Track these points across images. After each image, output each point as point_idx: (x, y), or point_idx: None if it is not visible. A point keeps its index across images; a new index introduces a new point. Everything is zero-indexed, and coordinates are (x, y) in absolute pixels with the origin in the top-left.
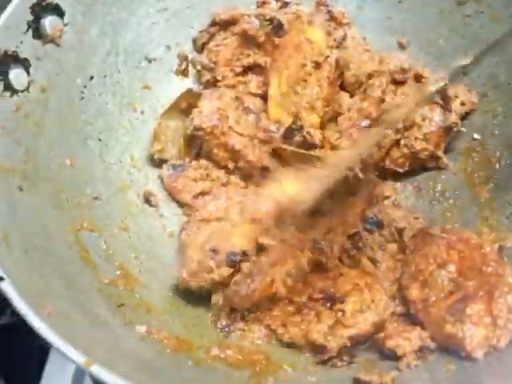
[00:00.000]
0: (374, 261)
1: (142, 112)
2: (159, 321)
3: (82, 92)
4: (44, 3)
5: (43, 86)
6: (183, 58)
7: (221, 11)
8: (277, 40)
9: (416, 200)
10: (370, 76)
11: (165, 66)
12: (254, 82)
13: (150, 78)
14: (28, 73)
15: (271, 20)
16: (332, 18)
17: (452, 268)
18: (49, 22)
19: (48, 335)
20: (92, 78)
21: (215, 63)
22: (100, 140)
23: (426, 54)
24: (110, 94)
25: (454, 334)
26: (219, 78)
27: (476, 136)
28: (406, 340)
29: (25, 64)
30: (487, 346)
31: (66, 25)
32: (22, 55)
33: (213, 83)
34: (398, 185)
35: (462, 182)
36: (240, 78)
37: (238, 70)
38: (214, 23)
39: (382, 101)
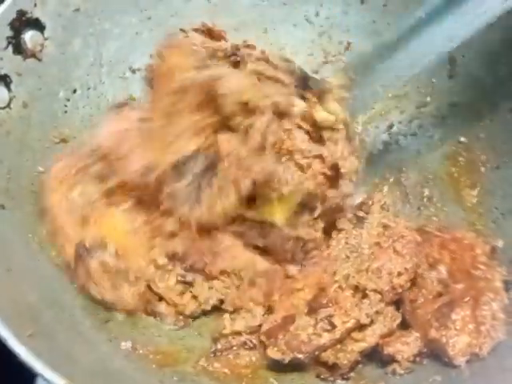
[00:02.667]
0: None
1: None
2: (145, 335)
3: (65, 105)
4: (23, 18)
5: (25, 102)
6: None
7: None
8: None
9: (403, 205)
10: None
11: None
12: None
13: (135, 88)
14: (9, 89)
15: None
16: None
17: (443, 269)
18: (29, 37)
19: (29, 360)
20: (75, 90)
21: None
22: None
23: None
24: (94, 106)
25: (438, 339)
26: None
27: (462, 139)
28: (404, 345)
29: (5, 80)
30: (469, 353)
31: (46, 39)
32: (2, 71)
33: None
34: (386, 189)
35: (448, 186)
36: None
37: None
38: (198, 29)
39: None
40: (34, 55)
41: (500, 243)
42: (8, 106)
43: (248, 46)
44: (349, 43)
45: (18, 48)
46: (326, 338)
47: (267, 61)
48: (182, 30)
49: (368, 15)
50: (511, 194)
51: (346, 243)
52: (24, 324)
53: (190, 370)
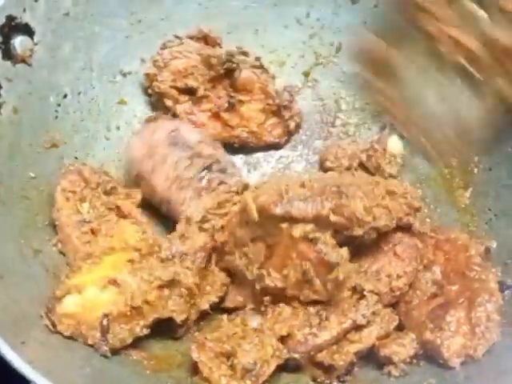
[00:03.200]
0: None
1: (118, 128)
2: (139, 340)
3: (56, 111)
4: (13, 23)
5: (15, 107)
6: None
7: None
8: None
9: None
10: None
11: (140, 80)
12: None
13: (126, 92)
14: None
15: (230, 61)
16: None
17: (437, 270)
18: (19, 42)
19: (22, 368)
20: (66, 95)
21: (163, 67)
22: (76, 158)
23: None
24: (84, 110)
25: (432, 341)
26: (161, 81)
27: None
28: (400, 346)
29: None
30: (464, 355)
31: (36, 44)
32: None
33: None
34: None
35: (441, 187)
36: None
37: (180, 85)
38: (193, 36)
39: None
40: (23, 60)
41: (493, 244)
42: None
43: (243, 53)
44: (340, 44)
45: (8, 53)
46: (322, 338)
47: (261, 67)
48: (177, 37)
49: (359, 16)
50: (504, 195)
51: None
52: (17, 331)
53: (185, 374)
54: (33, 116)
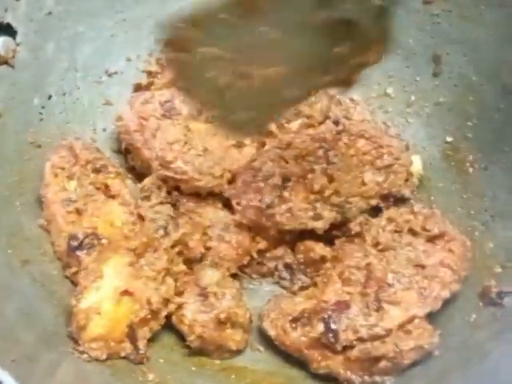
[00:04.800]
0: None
1: (105, 129)
2: None
3: (41, 113)
4: None
5: None
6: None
7: None
8: None
9: None
10: None
11: (126, 80)
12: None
13: (112, 92)
14: None
15: None
16: None
17: None
18: (0, 43)
19: None
20: (50, 97)
21: (166, 66)
22: None
23: (394, 54)
24: (70, 112)
25: None
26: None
27: (448, 139)
28: None
29: None
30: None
31: (18, 44)
32: None
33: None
34: None
35: (436, 188)
36: None
37: None
38: None
39: None
40: (6, 62)
41: (490, 246)
42: None
43: None
44: None
45: None
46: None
47: None
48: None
49: None
50: (500, 196)
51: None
52: (6, 349)
53: None
54: (17, 120)
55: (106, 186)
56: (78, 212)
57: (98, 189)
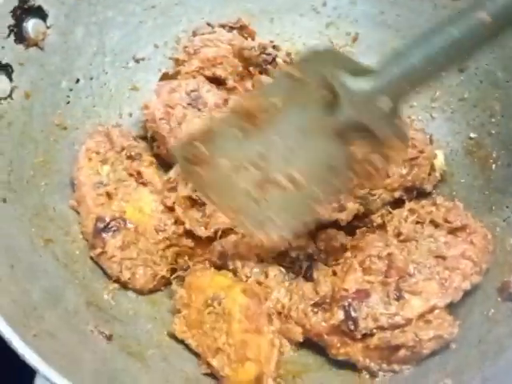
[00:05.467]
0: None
1: (131, 114)
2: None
3: (68, 96)
4: (26, 6)
5: (27, 92)
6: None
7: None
8: None
9: None
10: None
11: (153, 66)
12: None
13: (138, 78)
14: (10, 79)
15: (267, 53)
16: None
17: None
18: (31, 25)
19: (33, 361)
20: (78, 80)
21: (193, 54)
22: None
23: None
24: (96, 96)
25: None
26: (187, 69)
27: (472, 135)
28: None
29: (7, 70)
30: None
31: (49, 27)
32: (3, 61)
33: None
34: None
35: (459, 183)
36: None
37: (208, 73)
38: (225, 25)
39: None
40: (36, 44)
41: (510, 242)
42: (10, 96)
43: (274, 47)
44: (357, 34)
45: (20, 37)
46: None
47: (292, 63)
48: (209, 25)
49: (377, 5)
50: None
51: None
52: (28, 324)
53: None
54: (44, 101)
55: (139, 173)
56: (108, 195)
57: (130, 175)
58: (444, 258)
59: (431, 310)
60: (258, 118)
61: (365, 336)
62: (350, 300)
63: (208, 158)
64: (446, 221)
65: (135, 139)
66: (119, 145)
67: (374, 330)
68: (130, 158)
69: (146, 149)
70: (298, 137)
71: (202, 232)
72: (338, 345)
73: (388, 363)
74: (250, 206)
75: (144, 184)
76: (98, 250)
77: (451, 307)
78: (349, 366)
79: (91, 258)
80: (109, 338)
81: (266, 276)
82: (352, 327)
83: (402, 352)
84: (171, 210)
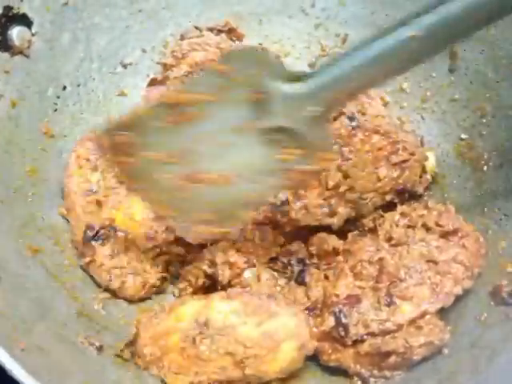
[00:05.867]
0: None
1: None
2: None
3: (55, 103)
4: (10, 14)
5: (13, 101)
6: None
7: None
8: None
9: None
10: None
11: (141, 71)
12: None
13: (126, 84)
14: None
15: None
16: None
17: None
18: (16, 33)
19: (22, 377)
20: (65, 87)
21: (181, 58)
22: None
23: None
24: (84, 103)
25: None
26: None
27: (463, 136)
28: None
29: None
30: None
31: (34, 34)
32: None
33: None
34: None
35: (450, 185)
36: None
37: None
38: (213, 28)
39: None
40: (21, 52)
41: (502, 245)
42: None
43: (262, 50)
44: (346, 35)
45: (5, 45)
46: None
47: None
48: (197, 28)
49: (366, 6)
50: None
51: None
52: (17, 338)
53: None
54: (31, 109)
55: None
56: (98, 203)
57: (121, 183)
58: (435, 262)
59: (422, 315)
60: (187, 112)
61: (356, 342)
62: (340, 306)
63: (135, 146)
64: (438, 225)
65: None
66: (112, 153)
67: (365, 337)
68: (121, 164)
69: None
70: (227, 135)
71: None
72: (330, 351)
73: (379, 369)
74: (179, 200)
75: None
76: (88, 259)
77: (443, 312)
78: (340, 372)
79: (81, 267)
80: (99, 349)
81: (259, 280)
82: (342, 333)
83: (393, 358)
84: (162, 217)
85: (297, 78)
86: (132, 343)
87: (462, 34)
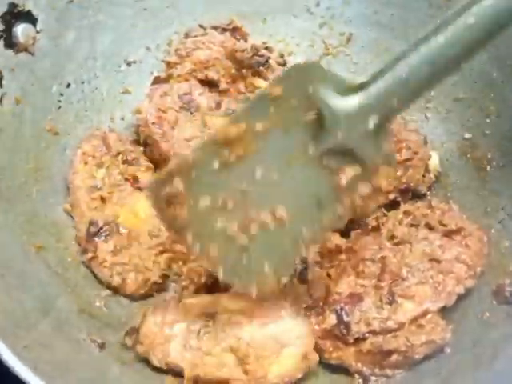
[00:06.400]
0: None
1: (123, 118)
2: None
3: (59, 101)
4: (15, 11)
5: (17, 98)
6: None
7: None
8: None
9: None
10: None
11: (145, 69)
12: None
13: (130, 81)
14: (0, 85)
15: (259, 55)
16: None
17: None
18: (21, 30)
19: (24, 374)
20: (69, 85)
21: (185, 56)
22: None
23: None
24: (88, 100)
25: None
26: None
27: (467, 135)
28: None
29: None
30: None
31: (39, 32)
32: None
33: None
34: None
35: (453, 184)
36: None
37: (200, 76)
38: (217, 27)
39: None
40: (26, 49)
41: (506, 245)
42: (0, 103)
43: (267, 48)
44: (350, 34)
45: (10, 42)
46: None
47: (285, 64)
48: (201, 27)
49: (370, 5)
50: None
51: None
52: (19, 335)
53: None
54: (35, 107)
55: (135, 178)
56: (102, 200)
57: (126, 180)
58: (438, 261)
59: (424, 314)
60: (238, 146)
61: (357, 340)
62: (342, 304)
63: (184, 196)
64: (441, 223)
65: (133, 144)
66: (115, 149)
67: (367, 335)
68: (126, 162)
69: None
70: (281, 168)
71: None
72: (331, 349)
73: (380, 368)
74: (232, 251)
75: (140, 189)
76: (90, 255)
77: (445, 311)
78: (341, 370)
79: (83, 263)
80: (101, 346)
81: None
82: (344, 331)
83: (394, 357)
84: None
85: (354, 88)
86: (135, 330)
87: None
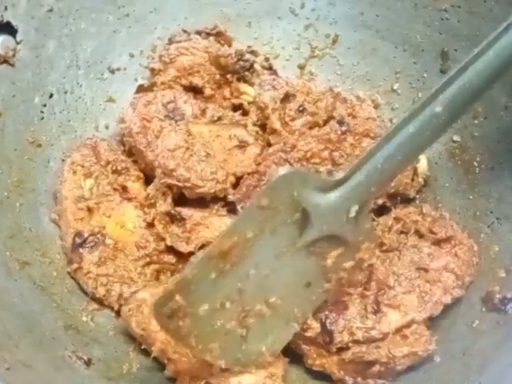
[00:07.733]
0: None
1: (107, 127)
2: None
3: (42, 111)
4: None
5: None
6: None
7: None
8: None
9: None
10: None
11: (129, 76)
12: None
13: (114, 89)
14: None
15: (244, 60)
16: None
17: None
18: (0, 42)
19: None
20: (51, 95)
21: (169, 63)
22: (63, 160)
23: (401, 50)
24: (72, 110)
25: None
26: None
27: (455, 138)
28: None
29: None
30: None
31: (19, 43)
32: None
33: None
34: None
35: (442, 188)
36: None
37: (184, 82)
38: (201, 31)
39: None
40: (6, 61)
41: (495, 249)
42: None
43: (252, 52)
44: (336, 36)
45: None
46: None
47: (270, 68)
48: (185, 32)
49: (356, 6)
50: (507, 197)
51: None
52: (1, 356)
53: None
54: (17, 119)
55: (124, 188)
56: (89, 210)
57: (115, 190)
58: (426, 270)
59: (409, 324)
60: (232, 255)
61: (340, 349)
62: (327, 312)
63: (185, 308)
64: (431, 231)
65: (123, 154)
66: (105, 159)
67: (350, 344)
68: (116, 172)
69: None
70: (272, 263)
71: (183, 248)
72: (315, 355)
73: (363, 377)
74: (232, 343)
75: (129, 199)
76: (75, 265)
77: (434, 319)
78: (325, 376)
79: (69, 274)
80: (87, 363)
81: None
82: (327, 340)
83: (376, 367)
84: (151, 226)
85: (335, 184)
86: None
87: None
